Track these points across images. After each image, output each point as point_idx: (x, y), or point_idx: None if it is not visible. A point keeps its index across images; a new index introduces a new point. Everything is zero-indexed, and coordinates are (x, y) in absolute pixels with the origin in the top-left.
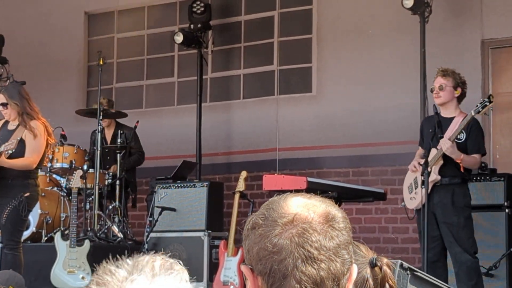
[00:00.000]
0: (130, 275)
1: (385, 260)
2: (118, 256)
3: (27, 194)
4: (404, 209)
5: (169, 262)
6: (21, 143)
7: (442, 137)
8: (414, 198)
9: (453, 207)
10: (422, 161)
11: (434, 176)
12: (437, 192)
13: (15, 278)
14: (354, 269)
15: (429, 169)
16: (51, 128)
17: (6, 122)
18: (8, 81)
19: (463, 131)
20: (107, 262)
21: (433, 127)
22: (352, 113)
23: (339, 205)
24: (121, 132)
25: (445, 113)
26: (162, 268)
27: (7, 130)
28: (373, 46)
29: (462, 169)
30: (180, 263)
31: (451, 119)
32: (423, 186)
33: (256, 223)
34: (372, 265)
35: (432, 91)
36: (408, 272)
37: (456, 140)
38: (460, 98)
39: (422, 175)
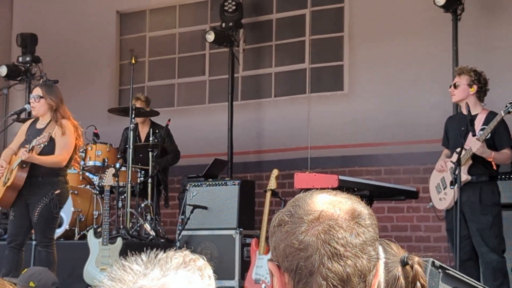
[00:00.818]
0: (144, 269)
1: (416, 258)
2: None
3: (57, 192)
4: (433, 209)
5: (189, 257)
6: (51, 141)
7: (475, 134)
8: (443, 199)
9: (481, 206)
10: (449, 160)
11: (465, 177)
12: (465, 190)
13: (40, 276)
14: (381, 265)
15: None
16: (81, 130)
17: (34, 122)
18: (41, 79)
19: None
20: (125, 259)
21: (464, 125)
22: (384, 111)
23: (371, 204)
24: (157, 131)
25: (465, 110)
26: (178, 263)
27: (36, 129)
28: (405, 44)
29: (494, 167)
30: (203, 259)
31: (474, 116)
32: (452, 187)
33: (282, 220)
34: (404, 263)
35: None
36: (439, 270)
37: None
38: (479, 95)
39: (454, 173)
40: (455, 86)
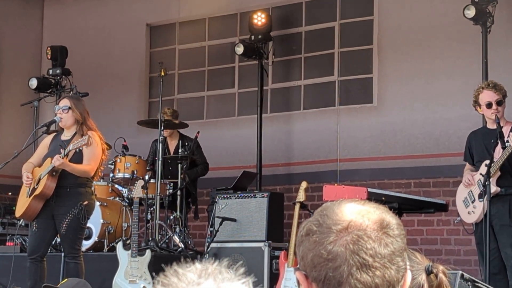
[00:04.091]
0: (198, 278)
1: (440, 267)
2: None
3: (85, 203)
4: (461, 223)
5: (233, 271)
6: (78, 152)
7: (505, 147)
8: (472, 212)
9: (510, 219)
10: (476, 174)
11: (494, 188)
12: (494, 203)
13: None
14: (408, 276)
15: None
16: (105, 144)
17: (58, 135)
18: (71, 92)
19: None
20: (177, 265)
21: (493, 138)
22: (413, 123)
23: (400, 216)
24: (186, 144)
25: (492, 125)
26: (231, 275)
27: (61, 141)
28: (435, 57)
29: None
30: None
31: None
32: (480, 199)
33: (310, 230)
34: (428, 272)
35: (489, 107)
36: (469, 283)
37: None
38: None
39: (483, 185)
40: (500, 103)
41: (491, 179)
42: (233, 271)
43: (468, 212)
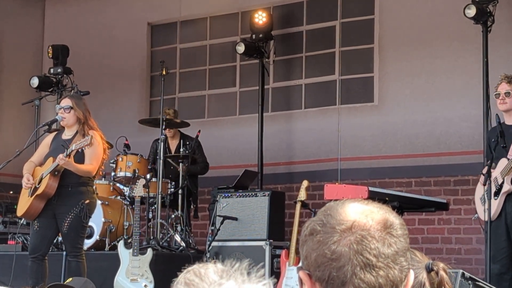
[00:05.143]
0: (219, 279)
1: (441, 264)
2: (187, 264)
3: (87, 202)
4: (478, 221)
5: (258, 272)
6: (80, 152)
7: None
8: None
9: None
10: (493, 171)
11: (508, 187)
12: (509, 201)
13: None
14: (411, 275)
15: (501, 180)
16: (106, 144)
17: (58, 134)
18: (72, 91)
19: None
20: (198, 264)
21: (496, 137)
22: (414, 122)
23: (401, 215)
24: (187, 143)
25: (508, 120)
26: (252, 277)
27: (62, 140)
28: (435, 56)
29: None
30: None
31: None
32: (495, 197)
33: (314, 229)
34: (428, 270)
35: (497, 96)
36: (469, 282)
37: None
38: None
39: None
40: (507, 94)
41: (505, 177)
42: (254, 272)
43: (485, 210)
